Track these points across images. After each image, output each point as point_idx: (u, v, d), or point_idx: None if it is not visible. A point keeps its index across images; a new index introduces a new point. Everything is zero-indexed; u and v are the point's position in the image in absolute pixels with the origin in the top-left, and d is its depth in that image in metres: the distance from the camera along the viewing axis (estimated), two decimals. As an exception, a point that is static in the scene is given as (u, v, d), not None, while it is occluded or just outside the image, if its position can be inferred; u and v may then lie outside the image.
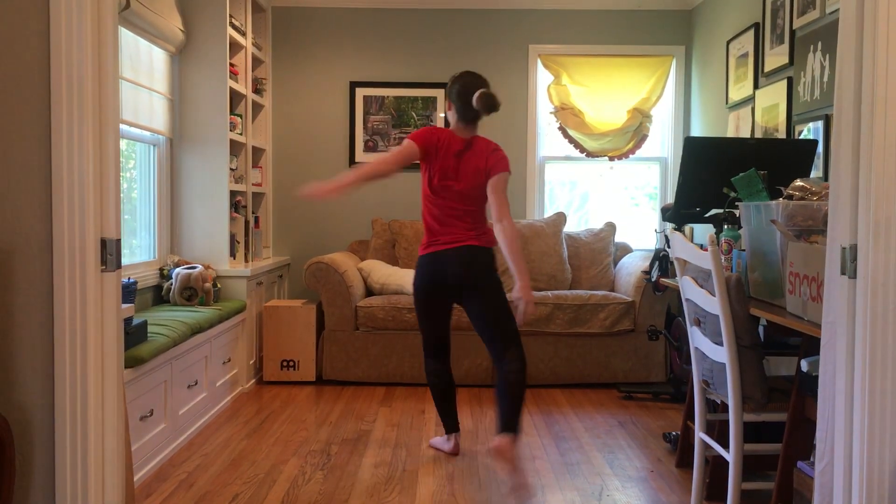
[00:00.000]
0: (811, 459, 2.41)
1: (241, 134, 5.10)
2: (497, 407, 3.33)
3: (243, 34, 5.10)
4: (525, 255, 5.28)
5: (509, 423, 3.23)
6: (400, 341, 4.90)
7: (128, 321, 3.12)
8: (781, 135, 4.09)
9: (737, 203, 3.02)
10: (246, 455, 3.57)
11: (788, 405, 2.61)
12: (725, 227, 3.11)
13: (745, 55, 4.63)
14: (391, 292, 5.02)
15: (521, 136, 5.82)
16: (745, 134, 4.59)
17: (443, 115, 5.78)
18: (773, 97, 4.22)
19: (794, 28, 4.01)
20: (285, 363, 4.96)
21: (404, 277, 5.08)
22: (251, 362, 4.90)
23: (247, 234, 5.17)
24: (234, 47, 5.03)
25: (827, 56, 3.65)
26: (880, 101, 1.75)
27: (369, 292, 5.17)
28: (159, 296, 4.46)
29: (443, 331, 3.58)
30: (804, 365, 2.49)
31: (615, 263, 5.52)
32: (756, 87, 4.49)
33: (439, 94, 5.76)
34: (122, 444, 1.95)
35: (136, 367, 3.15)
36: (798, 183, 2.70)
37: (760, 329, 3.22)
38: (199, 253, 4.75)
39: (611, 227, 5.59)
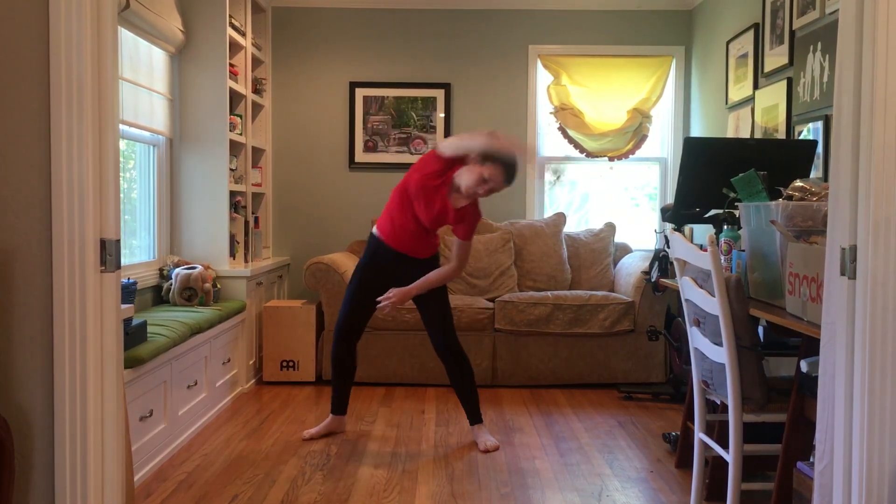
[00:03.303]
0: (811, 460, 2.41)
1: (240, 134, 5.10)
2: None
3: (243, 34, 5.10)
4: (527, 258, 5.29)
5: None
6: (400, 342, 4.90)
7: (127, 322, 3.12)
8: (781, 135, 4.09)
9: (736, 203, 3.02)
10: (246, 455, 3.57)
11: (788, 406, 2.61)
12: (725, 227, 3.11)
13: (745, 55, 4.63)
14: (391, 292, 5.02)
15: (521, 136, 5.81)
16: (745, 134, 4.59)
17: (442, 115, 5.78)
18: (772, 97, 4.22)
19: (793, 28, 4.01)
20: (285, 363, 4.95)
21: (404, 278, 5.08)
22: (251, 362, 4.90)
23: (246, 235, 5.17)
24: (234, 47, 5.03)
25: (826, 56, 3.65)
26: (880, 101, 1.75)
27: (369, 292, 5.17)
28: (159, 296, 4.46)
29: None
30: (804, 365, 2.49)
31: (615, 264, 5.52)
32: (756, 87, 4.49)
33: (439, 94, 5.76)
34: (122, 444, 1.95)
35: (136, 367, 3.15)
36: (798, 183, 2.70)
37: (760, 329, 3.22)
38: (199, 253, 4.75)
39: (610, 228, 5.59)
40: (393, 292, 3.63)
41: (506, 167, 3.45)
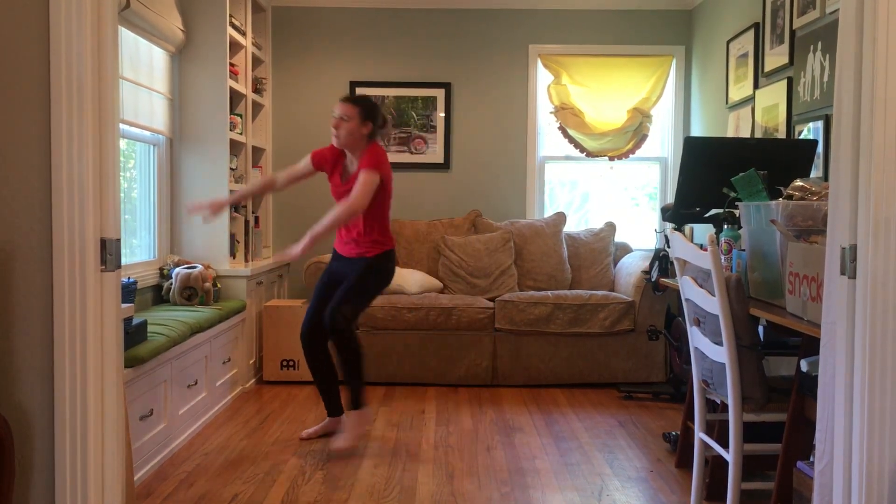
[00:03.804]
0: (811, 459, 2.41)
1: (241, 134, 5.10)
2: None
3: (243, 34, 5.10)
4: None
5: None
6: (400, 341, 4.90)
7: (127, 321, 3.12)
8: (781, 135, 4.09)
9: (737, 203, 3.02)
10: (246, 455, 3.57)
11: (788, 405, 2.61)
12: (725, 227, 3.11)
13: (746, 55, 4.63)
14: (391, 292, 5.01)
15: (520, 135, 5.81)
16: (745, 134, 4.59)
17: (442, 115, 5.78)
18: (773, 97, 4.22)
19: (794, 28, 4.01)
20: (285, 363, 4.95)
21: (404, 277, 5.08)
22: (251, 362, 4.90)
23: (247, 234, 5.17)
24: (234, 47, 5.03)
25: (827, 56, 3.65)
26: (880, 101, 1.75)
27: (369, 292, 5.17)
28: (159, 295, 4.46)
29: None
30: (804, 365, 2.49)
31: (615, 263, 5.52)
32: (756, 87, 4.49)
33: (439, 93, 5.76)
34: (122, 443, 1.95)
35: (136, 366, 3.15)
36: (798, 183, 2.70)
37: (760, 329, 3.22)
38: (199, 252, 4.75)
39: (611, 227, 5.59)
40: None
41: (343, 98, 3.74)
